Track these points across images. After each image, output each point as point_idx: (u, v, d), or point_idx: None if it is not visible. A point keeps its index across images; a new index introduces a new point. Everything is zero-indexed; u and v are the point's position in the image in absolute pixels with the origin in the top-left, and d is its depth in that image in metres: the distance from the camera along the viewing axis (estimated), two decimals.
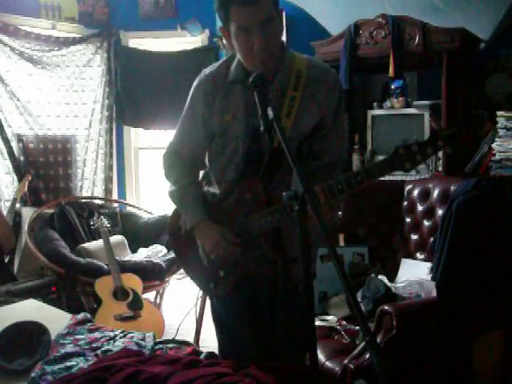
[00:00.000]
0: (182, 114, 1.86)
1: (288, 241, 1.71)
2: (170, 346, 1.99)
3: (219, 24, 1.70)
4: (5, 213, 4.13)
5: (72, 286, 3.55)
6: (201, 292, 3.27)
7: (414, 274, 2.71)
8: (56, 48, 4.81)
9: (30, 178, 4.43)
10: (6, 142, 4.38)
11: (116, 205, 4.87)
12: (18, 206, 4.28)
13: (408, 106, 3.69)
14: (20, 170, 4.45)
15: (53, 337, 1.98)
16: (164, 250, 4.09)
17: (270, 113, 1.43)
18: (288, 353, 1.83)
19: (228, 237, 1.75)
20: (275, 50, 1.65)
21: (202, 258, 1.88)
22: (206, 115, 1.77)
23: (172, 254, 3.93)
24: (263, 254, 1.76)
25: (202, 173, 1.96)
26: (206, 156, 1.88)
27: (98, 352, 1.90)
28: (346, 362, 2.18)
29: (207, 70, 1.80)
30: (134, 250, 4.18)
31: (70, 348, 1.93)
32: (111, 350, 1.90)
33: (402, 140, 1.46)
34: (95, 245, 3.95)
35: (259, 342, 1.89)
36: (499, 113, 3.28)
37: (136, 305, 3.34)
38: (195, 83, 1.81)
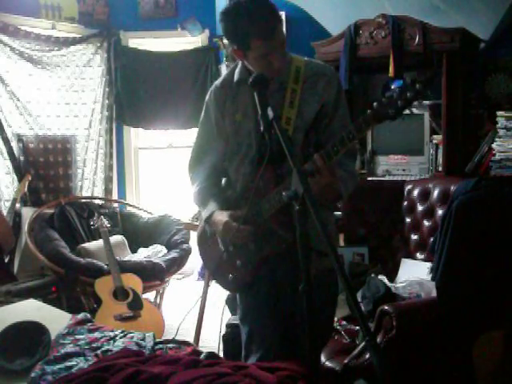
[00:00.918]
0: (199, 122, 2.00)
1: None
2: (170, 346, 1.99)
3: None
4: (5, 213, 4.12)
5: (72, 286, 3.55)
6: (201, 292, 3.29)
7: (414, 273, 2.71)
8: (56, 48, 4.81)
9: (29, 178, 4.43)
10: (6, 142, 4.38)
11: (116, 205, 4.87)
12: (18, 206, 4.27)
13: None
14: (20, 170, 4.45)
15: (53, 337, 1.98)
16: (164, 249, 4.09)
17: (270, 113, 1.49)
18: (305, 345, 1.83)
19: (237, 216, 1.82)
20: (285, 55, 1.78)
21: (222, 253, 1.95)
22: (219, 118, 1.91)
23: (172, 254, 3.94)
24: (274, 235, 1.81)
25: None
26: (224, 160, 1.98)
27: (98, 352, 1.90)
28: (346, 361, 2.18)
29: (217, 81, 1.97)
30: (134, 250, 4.18)
31: (70, 348, 1.92)
32: (111, 350, 1.90)
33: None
34: (95, 245, 3.95)
35: (284, 334, 1.88)
36: (499, 113, 3.27)
37: (136, 305, 3.34)
38: (208, 93, 1.95)
